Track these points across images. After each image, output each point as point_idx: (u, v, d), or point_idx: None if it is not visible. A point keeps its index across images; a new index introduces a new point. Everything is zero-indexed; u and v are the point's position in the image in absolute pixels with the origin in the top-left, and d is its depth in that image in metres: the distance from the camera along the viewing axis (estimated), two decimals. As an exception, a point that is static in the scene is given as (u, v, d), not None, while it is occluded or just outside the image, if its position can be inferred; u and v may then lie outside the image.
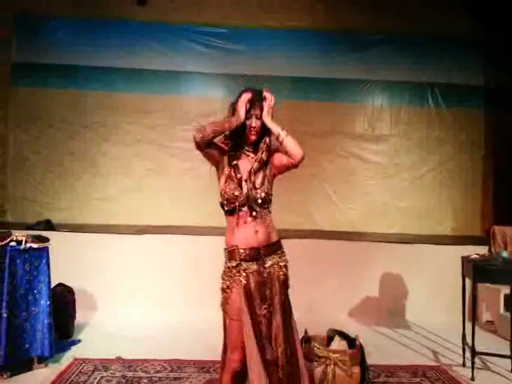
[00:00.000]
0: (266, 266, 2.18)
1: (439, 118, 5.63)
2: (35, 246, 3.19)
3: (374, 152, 5.63)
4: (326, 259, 4.70)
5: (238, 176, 2.16)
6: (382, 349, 3.66)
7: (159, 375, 3.12)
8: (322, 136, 5.57)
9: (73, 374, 3.10)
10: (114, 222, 5.27)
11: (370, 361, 2.85)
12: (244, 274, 2.13)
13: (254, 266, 2.15)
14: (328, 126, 5.60)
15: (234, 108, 2.17)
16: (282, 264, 2.23)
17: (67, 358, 3.37)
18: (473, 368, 3.24)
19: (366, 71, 5.59)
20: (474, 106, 5.62)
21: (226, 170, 2.18)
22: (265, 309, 2.13)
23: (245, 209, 2.15)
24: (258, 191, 2.17)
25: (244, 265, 2.14)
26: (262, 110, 2.16)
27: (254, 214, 2.15)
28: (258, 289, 2.14)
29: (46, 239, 3.33)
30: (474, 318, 3.36)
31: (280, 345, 2.12)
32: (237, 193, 2.14)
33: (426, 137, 5.64)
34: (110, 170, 5.43)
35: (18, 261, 3.12)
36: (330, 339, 2.95)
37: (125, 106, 5.48)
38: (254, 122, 2.16)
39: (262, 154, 2.20)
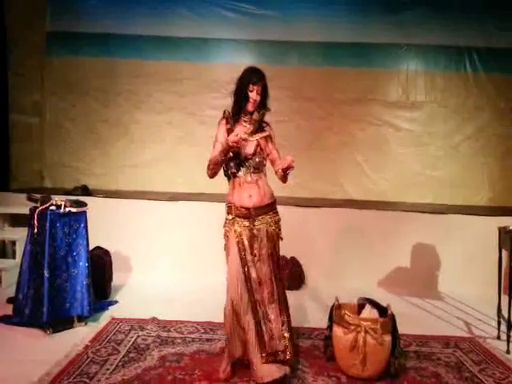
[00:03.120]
0: (256, 224, 2.61)
1: (477, 84, 5.38)
2: (74, 210, 3.31)
3: (407, 120, 5.46)
4: (358, 229, 4.69)
5: None
6: (413, 319, 3.65)
7: (192, 336, 3.23)
8: (354, 103, 5.44)
9: (111, 332, 3.25)
10: (147, 188, 5.36)
11: (401, 330, 2.83)
12: (237, 227, 2.60)
13: (245, 223, 2.61)
14: (360, 93, 5.45)
15: (236, 91, 2.57)
16: (272, 222, 2.65)
17: (105, 317, 3.52)
18: (508, 341, 3.19)
19: (401, 35, 5.37)
20: (513, 71, 5.35)
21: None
22: (254, 256, 2.58)
23: (240, 174, 2.60)
24: (251, 159, 2.59)
25: (238, 220, 2.62)
26: (262, 86, 2.55)
27: (249, 179, 2.59)
28: (248, 241, 2.58)
29: (84, 204, 3.43)
30: (511, 291, 3.26)
31: (267, 287, 2.58)
32: (231, 162, 2.59)
33: (463, 104, 5.41)
34: (142, 137, 5.49)
35: (57, 224, 3.24)
36: (360, 307, 2.95)
37: (156, 74, 5.48)
38: (255, 96, 2.55)
39: (252, 124, 2.57)
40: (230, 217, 2.64)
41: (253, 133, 2.54)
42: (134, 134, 5.50)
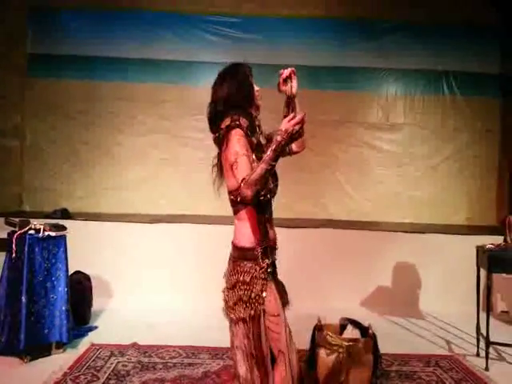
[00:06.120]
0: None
1: (454, 107, 5.54)
2: (53, 234, 3.27)
3: (387, 141, 5.58)
4: (340, 248, 4.71)
5: None
6: (394, 338, 3.69)
7: (174, 361, 3.19)
8: (335, 125, 5.54)
9: (90, 359, 3.18)
10: (129, 210, 5.31)
11: (382, 349, 2.84)
12: (271, 278, 1.94)
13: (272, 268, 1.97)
14: (341, 115, 5.56)
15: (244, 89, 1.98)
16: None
17: (84, 343, 3.45)
18: (487, 358, 3.23)
19: (381, 59, 5.52)
20: (489, 94, 5.52)
21: (251, 158, 1.89)
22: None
23: (265, 203, 1.94)
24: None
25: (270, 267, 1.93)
26: None
27: (269, 207, 1.99)
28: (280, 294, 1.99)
29: (64, 227, 3.39)
30: (489, 309, 3.34)
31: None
32: (270, 185, 1.89)
33: (441, 125, 5.56)
34: (124, 159, 5.46)
35: (36, 249, 3.20)
36: (342, 328, 2.95)
37: (139, 97, 5.50)
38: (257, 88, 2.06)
39: (263, 137, 2.03)
40: (265, 263, 1.90)
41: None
42: (116, 156, 5.47)
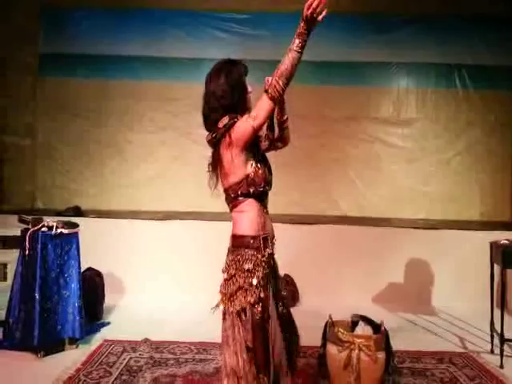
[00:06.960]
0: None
1: (467, 100, 5.46)
2: (66, 231, 3.29)
3: (399, 136, 5.52)
4: (351, 245, 4.68)
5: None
6: (407, 335, 3.65)
7: (185, 357, 3.20)
8: (346, 121, 5.49)
9: (102, 354, 3.21)
10: (140, 208, 5.34)
11: (395, 346, 2.82)
12: (270, 271, 1.95)
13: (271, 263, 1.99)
14: (352, 111, 5.51)
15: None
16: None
17: (97, 339, 3.48)
18: (501, 355, 3.19)
19: (391, 54, 5.46)
20: (503, 87, 5.42)
21: (254, 150, 1.96)
22: (280, 303, 2.04)
23: (264, 195, 2.01)
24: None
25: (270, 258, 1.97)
26: None
27: (267, 199, 2.03)
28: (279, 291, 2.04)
29: (76, 225, 3.43)
30: (503, 305, 3.27)
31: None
32: (269, 177, 1.98)
33: (454, 120, 5.48)
34: (135, 157, 5.49)
35: (49, 246, 3.23)
36: (354, 324, 2.93)
37: (149, 94, 5.51)
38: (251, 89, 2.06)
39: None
40: (269, 251, 1.95)
41: None
42: (126, 154, 5.51)
